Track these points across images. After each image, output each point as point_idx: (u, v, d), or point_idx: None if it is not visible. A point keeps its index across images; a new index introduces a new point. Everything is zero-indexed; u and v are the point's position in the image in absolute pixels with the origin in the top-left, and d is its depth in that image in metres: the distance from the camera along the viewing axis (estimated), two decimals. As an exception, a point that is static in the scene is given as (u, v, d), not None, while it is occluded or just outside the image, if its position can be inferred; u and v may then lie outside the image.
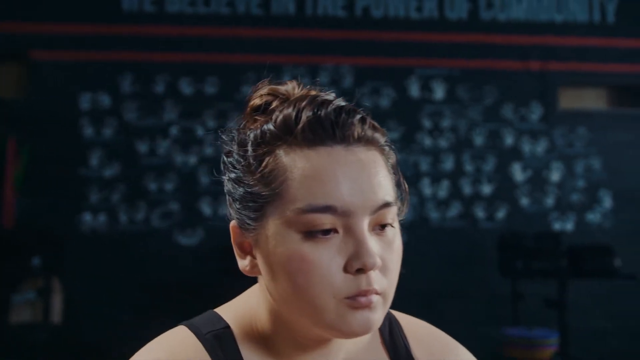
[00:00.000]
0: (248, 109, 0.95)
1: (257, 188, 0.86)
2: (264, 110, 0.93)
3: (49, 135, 5.48)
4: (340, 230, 0.83)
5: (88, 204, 5.49)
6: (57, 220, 5.35)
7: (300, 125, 0.85)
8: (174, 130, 5.64)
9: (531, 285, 5.23)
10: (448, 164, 5.80)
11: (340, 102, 0.89)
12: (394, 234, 0.91)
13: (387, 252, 0.88)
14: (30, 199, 5.33)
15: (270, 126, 0.87)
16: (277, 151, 0.86)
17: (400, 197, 0.95)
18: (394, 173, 0.93)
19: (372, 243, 0.84)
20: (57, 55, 5.58)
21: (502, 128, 5.88)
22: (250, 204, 0.86)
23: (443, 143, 5.82)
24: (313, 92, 0.95)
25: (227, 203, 0.93)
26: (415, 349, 1.03)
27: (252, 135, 0.89)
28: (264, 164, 0.86)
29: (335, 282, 0.82)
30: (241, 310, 0.93)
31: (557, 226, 5.82)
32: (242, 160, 0.89)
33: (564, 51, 5.97)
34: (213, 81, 5.70)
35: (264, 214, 0.85)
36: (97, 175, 5.54)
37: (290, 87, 0.98)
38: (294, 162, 0.84)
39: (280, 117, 0.87)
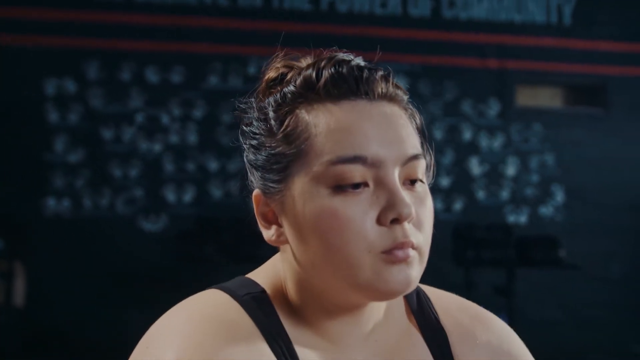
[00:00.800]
0: (263, 83, 0.93)
1: (280, 149, 0.83)
2: (280, 81, 0.90)
3: (13, 119, 5.51)
4: (371, 183, 0.81)
5: (52, 188, 5.54)
6: (21, 205, 5.39)
7: (323, 80, 0.84)
8: (139, 118, 5.72)
9: (484, 274, 5.46)
10: (408, 156, 5.99)
11: (361, 60, 0.91)
12: (425, 191, 0.88)
13: (419, 207, 0.84)
14: (-6, 182, 5.38)
15: (291, 87, 0.86)
16: (299, 110, 0.84)
17: (427, 161, 0.92)
18: (421, 135, 0.92)
19: (403, 192, 0.81)
20: (22, 39, 5.60)
21: (460, 123, 6.08)
22: (275, 166, 0.84)
23: (404, 136, 6.00)
24: (336, 54, 0.94)
25: (249, 173, 0.91)
26: (445, 319, 0.98)
27: (272, 100, 0.88)
28: (285, 123, 0.84)
29: (370, 235, 0.79)
30: (272, 276, 0.89)
31: (511, 219, 6.04)
32: (262, 125, 0.87)
33: (522, 50, 6.20)
34: (179, 70, 5.78)
35: (289, 174, 0.82)
36: (61, 161, 5.58)
37: (306, 60, 0.95)
38: (318, 117, 0.83)
39: (300, 77, 0.87)
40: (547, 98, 6.44)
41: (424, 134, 0.95)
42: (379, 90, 0.86)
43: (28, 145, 5.53)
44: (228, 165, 5.77)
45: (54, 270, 5.34)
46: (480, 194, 6.05)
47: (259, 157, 0.86)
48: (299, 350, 0.83)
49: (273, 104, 0.87)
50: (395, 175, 0.81)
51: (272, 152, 0.84)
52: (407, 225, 0.81)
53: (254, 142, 0.88)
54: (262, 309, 0.84)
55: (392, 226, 0.80)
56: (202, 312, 0.81)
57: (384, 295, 0.82)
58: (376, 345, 0.89)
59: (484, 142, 6.09)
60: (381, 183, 0.81)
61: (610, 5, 6.31)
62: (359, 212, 0.79)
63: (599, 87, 6.32)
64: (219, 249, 5.22)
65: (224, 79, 5.84)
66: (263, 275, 0.90)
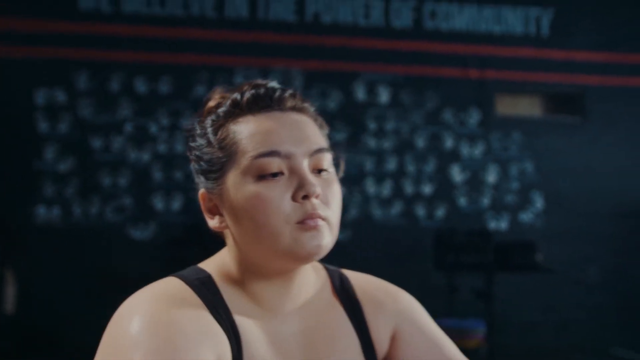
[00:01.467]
0: (205, 111, 1.15)
1: (216, 154, 1.06)
2: (217, 108, 1.13)
3: (4, 128, 5.62)
4: (286, 172, 1.03)
5: (42, 197, 5.64)
6: (12, 213, 5.49)
7: (245, 99, 1.08)
8: (128, 127, 5.82)
9: (465, 279, 5.59)
10: (391, 164, 6.12)
11: (275, 83, 1.13)
12: (332, 177, 1.08)
13: (326, 189, 1.05)
14: (-15, 191, 5.48)
15: (223, 108, 1.10)
16: (228, 124, 1.08)
17: (336, 162, 1.14)
18: (328, 140, 1.14)
19: (311, 176, 1.03)
20: (13, 50, 5.71)
21: (442, 131, 6.22)
22: (213, 168, 1.07)
23: (387, 144, 6.13)
24: (256, 82, 1.17)
25: (195, 178, 1.14)
26: (361, 295, 1.22)
27: (209, 120, 1.11)
28: (218, 135, 1.07)
29: (286, 210, 1.00)
30: (218, 263, 1.11)
31: (492, 225, 6.18)
32: (203, 139, 1.10)
33: (501, 60, 6.35)
34: (167, 80, 5.90)
35: (224, 172, 1.05)
36: (51, 169, 5.69)
37: (246, 86, 1.16)
38: (242, 126, 1.06)
39: (229, 100, 1.10)
40: (526, 107, 6.58)
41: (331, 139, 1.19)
42: (288, 103, 1.10)
43: (19, 154, 5.64)
44: (215, 173, 5.88)
45: (45, 276, 5.43)
46: (462, 201, 6.19)
47: (202, 164, 1.09)
48: (238, 318, 1.03)
49: (210, 122, 1.11)
50: (304, 164, 1.04)
51: (211, 157, 1.08)
52: (315, 201, 1.02)
53: (197, 153, 1.10)
54: (208, 289, 1.04)
55: (303, 202, 1.01)
56: (159, 293, 1.00)
57: (302, 258, 1.02)
58: (306, 315, 1.11)
59: (465, 150, 6.23)
60: (293, 171, 1.03)
61: (587, 16, 6.47)
62: (277, 194, 1.01)
63: (577, 96, 6.47)
64: (207, 255, 5.32)
65: (211, 89, 5.95)
66: (210, 264, 1.13)
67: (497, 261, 4.64)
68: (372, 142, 6.11)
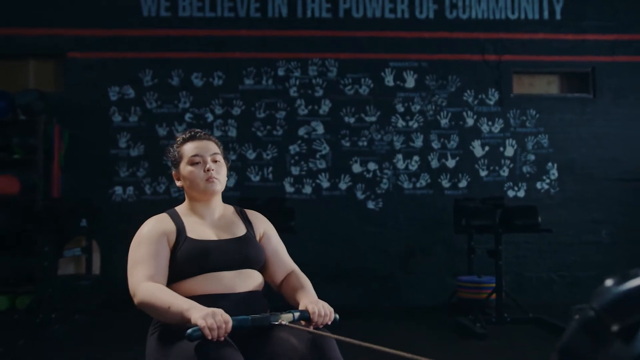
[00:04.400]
0: (176, 140, 2.37)
1: (176, 157, 2.31)
2: (181, 140, 2.36)
3: (85, 122, 6.60)
4: (202, 162, 2.26)
5: (119, 178, 6.62)
6: (94, 192, 6.46)
7: (187, 136, 2.34)
8: (187, 116, 6.73)
9: (480, 242, 6.34)
10: (418, 142, 6.88)
11: (199, 130, 2.38)
12: (222, 164, 2.31)
13: (217, 167, 2.28)
14: (72, 174, 6.47)
15: (180, 140, 2.34)
16: (180, 145, 2.32)
17: (228, 161, 2.38)
18: (225, 157, 2.36)
19: (211, 163, 2.26)
20: (90, 54, 6.67)
21: (463, 111, 6.94)
22: (175, 162, 2.32)
23: (414, 124, 6.89)
24: (192, 130, 2.37)
25: (172, 169, 2.36)
26: (250, 216, 2.39)
27: (175, 144, 2.35)
28: (178, 149, 2.32)
29: (201, 175, 2.24)
30: (180, 205, 2.35)
31: (510, 194, 6.89)
32: (174, 151, 2.34)
33: (517, 44, 6.99)
34: (219, 75, 6.77)
35: (179, 162, 2.30)
36: (125, 155, 6.66)
37: (187, 132, 2.37)
38: (185, 147, 2.30)
39: (180, 140, 2.35)
40: (540, 86, 7.22)
41: (225, 152, 2.39)
42: (202, 136, 2.35)
43: (98, 143, 6.61)
44: (263, 155, 6.75)
45: (123, 245, 6.40)
46: (483, 173, 6.91)
47: (171, 162, 2.37)
48: (185, 220, 2.26)
49: (175, 145, 2.37)
50: (208, 159, 2.29)
51: (175, 158, 2.34)
52: (212, 172, 2.26)
53: (171, 157, 2.36)
54: (174, 215, 2.28)
55: (207, 172, 2.26)
56: (153, 218, 2.27)
57: (208, 193, 2.27)
58: (220, 222, 2.32)
59: (484, 127, 6.93)
60: (204, 161, 2.28)
61: (596, 1, 7.05)
62: (198, 169, 2.27)
63: (587, 74, 7.08)
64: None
65: (257, 81, 6.80)
66: (179, 206, 2.37)
67: (502, 223, 5.29)
68: (400, 123, 6.87)
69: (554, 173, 6.96)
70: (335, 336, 1.93)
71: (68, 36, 6.67)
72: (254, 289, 2.19)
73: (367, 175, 6.81)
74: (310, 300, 2.09)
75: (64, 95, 6.62)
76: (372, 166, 6.82)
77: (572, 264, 6.86)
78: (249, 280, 2.18)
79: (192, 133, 2.33)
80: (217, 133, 6.69)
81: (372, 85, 6.87)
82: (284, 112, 6.78)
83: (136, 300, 2.06)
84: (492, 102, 6.96)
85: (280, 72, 6.80)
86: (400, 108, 6.89)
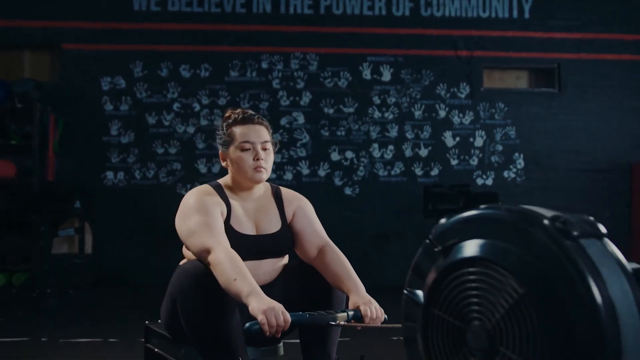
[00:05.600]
0: (224, 118, 2.43)
1: (225, 139, 2.36)
2: (229, 118, 2.41)
3: (79, 110, 6.97)
4: (252, 149, 2.31)
5: (110, 164, 7.01)
6: (87, 177, 6.85)
7: (240, 117, 2.37)
8: (176, 106, 7.11)
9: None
10: (393, 132, 7.30)
11: (252, 112, 2.43)
12: (270, 151, 2.36)
13: (266, 156, 2.33)
14: (66, 159, 6.85)
15: (230, 120, 2.38)
16: (230, 127, 2.36)
17: (276, 146, 2.43)
18: (273, 142, 2.40)
19: (261, 152, 2.31)
20: (83, 46, 7.03)
21: (436, 103, 7.36)
22: (224, 143, 2.36)
23: (389, 116, 7.31)
24: (244, 110, 2.42)
25: (219, 148, 2.39)
26: (284, 196, 2.47)
27: (225, 124, 2.40)
28: (227, 131, 2.36)
29: (250, 162, 2.29)
30: (224, 179, 2.41)
31: (479, 182, 7.33)
32: (222, 131, 2.39)
33: (487, 41, 7.41)
34: (206, 67, 7.15)
35: (228, 145, 2.34)
36: (116, 142, 7.04)
37: (238, 111, 2.41)
38: (236, 129, 2.34)
39: (232, 118, 2.38)
40: (510, 81, 7.65)
41: (274, 138, 2.45)
42: (256, 120, 2.40)
43: (91, 131, 6.99)
44: (247, 142, 7.13)
45: (114, 227, 6.82)
46: (454, 162, 7.34)
47: (220, 141, 2.42)
48: (230, 199, 2.36)
49: (225, 125, 2.42)
50: (258, 147, 2.35)
51: (224, 139, 2.40)
52: (261, 161, 2.32)
53: (219, 134, 2.43)
54: (218, 188, 2.38)
55: (256, 161, 2.32)
56: (198, 189, 2.37)
57: (254, 181, 2.35)
58: (257, 203, 2.43)
59: (456, 119, 7.36)
60: (254, 148, 2.34)
61: (562, 2, 7.48)
62: (247, 156, 2.33)
63: (553, 70, 7.52)
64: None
65: (242, 73, 7.19)
66: (221, 179, 2.45)
67: (465, 207, 5.71)
68: (377, 114, 7.29)
69: (520, 163, 7.40)
70: (382, 325, 2.16)
71: (63, 28, 7.02)
72: (272, 279, 2.35)
73: (345, 163, 7.23)
74: (362, 299, 2.19)
75: (58, 85, 6.99)
76: (349, 154, 7.24)
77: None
78: (270, 269, 2.34)
79: (246, 115, 2.33)
80: (204, 122, 7.08)
81: (350, 79, 7.28)
82: (267, 103, 7.18)
83: (209, 258, 2.08)
84: (463, 96, 7.38)
85: (264, 65, 7.20)
86: (376, 100, 7.30)
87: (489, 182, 7.36)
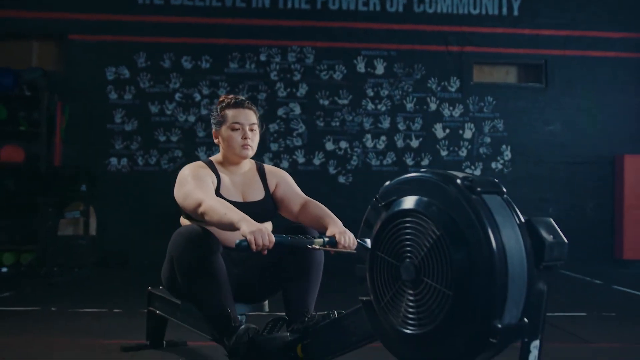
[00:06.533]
0: (218, 102, 2.82)
1: (219, 119, 2.77)
2: (222, 102, 2.80)
3: (84, 99, 7.28)
4: (241, 129, 2.72)
5: (114, 150, 7.33)
6: (92, 163, 7.16)
7: (232, 102, 2.77)
8: (177, 96, 7.42)
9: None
10: (385, 123, 7.61)
11: (242, 97, 2.82)
12: (256, 132, 2.78)
13: (253, 135, 2.75)
14: (71, 146, 7.16)
15: (224, 104, 2.78)
16: (224, 109, 2.76)
17: (262, 128, 2.84)
18: (260, 124, 2.82)
19: (249, 132, 2.73)
20: (89, 37, 7.34)
21: (427, 97, 7.67)
22: (218, 122, 2.77)
23: (382, 108, 7.62)
24: (236, 96, 2.81)
25: (213, 127, 2.81)
26: (267, 171, 2.87)
27: (219, 106, 2.79)
28: (221, 112, 2.76)
29: (239, 140, 2.71)
30: (215, 156, 2.83)
31: (468, 172, 7.64)
32: (215, 113, 2.79)
33: (477, 37, 7.71)
34: (207, 58, 7.46)
35: (221, 125, 2.75)
36: (120, 129, 7.36)
37: (230, 96, 2.80)
38: (228, 112, 2.74)
39: (225, 102, 2.79)
40: (499, 75, 7.95)
41: (261, 121, 2.81)
42: (246, 105, 2.82)
43: (95, 119, 7.31)
44: (245, 132, 7.45)
45: (117, 210, 7.15)
46: (444, 153, 7.66)
47: (214, 121, 2.84)
48: (219, 173, 2.77)
49: (219, 107, 2.84)
50: (247, 128, 2.77)
51: (217, 120, 2.81)
52: (248, 140, 2.75)
53: (213, 115, 2.84)
54: (209, 163, 2.80)
55: (244, 139, 2.74)
56: (192, 163, 2.78)
57: (242, 157, 2.77)
58: (244, 177, 2.85)
59: (446, 111, 7.67)
60: (243, 129, 2.76)
61: (550, 0, 7.78)
62: (237, 135, 2.75)
63: (541, 66, 7.83)
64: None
65: (241, 65, 7.50)
66: (212, 157, 2.88)
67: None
68: (370, 106, 7.60)
69: (508, 154, 7.71)
70: (351, 251, 2.43)
71: (69, 20, 7.34)
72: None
73: (339, 153, 7.55)
74: (339, 229, 2.52)
75: (64, 74, 7.30)
76: (343, 144, 7.55)
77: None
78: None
79: (237, 100, 2.74)
80: (204, 112, 7.39)
81: (345, 72, 7.59)
82: (265, 94, 7.49)
83: (201, 208, 2.42)
84: (453, 89, 7.69)
85: (262, 58, 7.51)
86: (370, 92, 7.61)
87: (477, 172, 7.68)
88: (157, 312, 3.15)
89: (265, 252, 2.22)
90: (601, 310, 4.77)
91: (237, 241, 2.20)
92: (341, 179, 7.53)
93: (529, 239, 1.38)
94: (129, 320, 4.07)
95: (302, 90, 7.53)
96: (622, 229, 7.54)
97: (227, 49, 7.50)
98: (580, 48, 7.78)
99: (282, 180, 2.84)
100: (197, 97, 7.43)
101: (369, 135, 7.59)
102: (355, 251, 2.29)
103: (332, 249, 2.42)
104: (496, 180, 1.46)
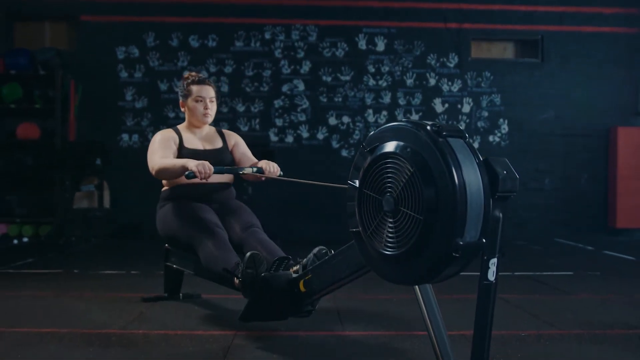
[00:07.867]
0: (184, 78, 3.50)
1: (185, 93, 3.43)
2: (187, 79, 3.47)
3: (96, 77, 7.58)
4: (202, 101, 3.38)
5: (125, 127, 7.64)
6: (104, 138, 7.46)
7: (196, 79, 3.44)
8: (185, 74, 7.68)
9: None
10: (386, 99, 7.89)
11: (203, 75, 3.55)
12: (214, 104, 3.45)
13: (212, 106, 3.42)
14: (84, 123, 7.47)
15: (189, 80, 3.45)
16: (189, 85, 3.42)
17: (219, 99, 3.53)
18: (217, 98, 3.51)
19: (209, 104, 3.40)
20: (100, 18, 7.62)
21: (427, 72, 7.93)
22: (184, 95, 3.44)
23: (383, 83, 7.89)
24: (198, 74, 3.49)
25: (180, 99, 3.48)
26: (225, 133, 3.54)
27: (185, 82, 3.46)
28: (186, 87, 3.43)
29: (201, 109, 3.39)
30: (182, 124, 3.50)
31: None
32: (182, 86, 3.45)
33: (475, 14, 7.95)
34: (213, 37, 7.73)
35: (187, 97, 3.42)
36: (131, 107, 7.66)
37: (194, 74, 3.47)
38: (193, 87, 3.40)
39: (191, 79, 3.46)
40: (497, 51, 8.20)
41: (218, 94, 3.46)
42: (207, 81, 3.52)
43: (108, 96, 7.60)
44: (251, 108, 7.75)
45: (128, 184, 7.44)
46: (443, 126, 7.92)
47: (181, 94, 3.53)
48: (182, 134, 3.45)
49: (185, 83, 3.51)
50: (207, 100, 3.45)
51: (184, 93, 3.49)
52: (208, 110, 3.44)
53: (180, 89, 3.52)
54: (175, 129, 3.50)
55: (205, 109, 3.43)
56: (161, 131, 3.48)
57: (203, 123, 3.48)
58: (206, 137, 3.54)
59: (445, 86, 7.93)
60: (204, 102, 3.44)
61: (546, -23, 8.01)
62: (200, 106, 3.44)
63: (537, 41, 8.06)
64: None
65: (247, 43, 7.77)
66: (180, 125, 3.56)
67: None
68: (371, 82, 7.87)
69: (505, 128, 7.98)
70: (277, 177, 3.22)
71: (81, 1, 7.61)
72: (223, 181, 3.36)
73: (342, 127, 7.83)
74: (266, 161, 3.23)
75: (77, 54, 7.59)
76: (345, 119, 7.84)
77: (519, 207, 7.91)
78: (220, 176, 3.30)
79: (200, 78, 3.39)
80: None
81: (347, 49, 7.85)
82: (270, 71, 7.77)
83: (154, 170, 3.16)
84: (452, 65, 7.95)
85: (267, 36, 7.77)
86: (371, 69, 7.87)
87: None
88: (174, 266, 3.48)
89: (208, 179, 2.96)
90: (587, 270, 5.07)
91: (186, 172, 2.93)
92: (344, 153, 7.82)
93: (486, 175, 1.68)
94: (146, 279, 4.40)
95: (306, 67, 7.80)
96: (616, 199, 7.82)
97: (233, 27, 7.76)
98: (575, 24, 8.01)
99: (240, 142, 3.49)
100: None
101: (370, 110, 7.86)
102: (279, 177, 3.21)
103: (260, 174, 3.15)
104: (461, 126, 1.75)
